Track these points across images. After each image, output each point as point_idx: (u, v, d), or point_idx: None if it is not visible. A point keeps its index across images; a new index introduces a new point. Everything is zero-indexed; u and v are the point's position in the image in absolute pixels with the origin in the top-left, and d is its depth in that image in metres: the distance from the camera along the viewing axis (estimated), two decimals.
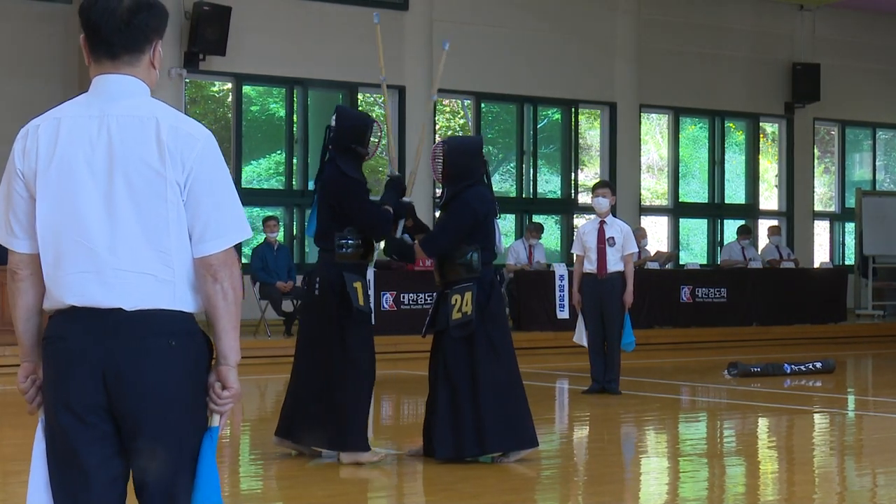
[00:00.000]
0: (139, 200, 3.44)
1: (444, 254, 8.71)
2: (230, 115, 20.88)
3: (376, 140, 8.72)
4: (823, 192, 27.49)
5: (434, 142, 21.73)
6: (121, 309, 3.45)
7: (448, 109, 23.32)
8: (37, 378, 3.62)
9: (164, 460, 3.52)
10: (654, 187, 25.53)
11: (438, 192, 13.32)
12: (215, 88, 21.40)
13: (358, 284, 8.42)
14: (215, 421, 3.61)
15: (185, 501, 3.53)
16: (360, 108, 21.51)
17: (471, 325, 8.50)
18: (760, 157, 26.14)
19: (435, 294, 8.89)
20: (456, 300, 8.51)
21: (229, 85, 20.81)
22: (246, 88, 20.96)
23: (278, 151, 21.50)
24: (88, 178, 3.46)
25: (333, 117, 8.71)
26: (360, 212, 8.51)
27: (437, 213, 9.24)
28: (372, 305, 8.85)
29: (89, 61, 3.57)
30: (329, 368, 8.46)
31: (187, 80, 19.99)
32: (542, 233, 20.04)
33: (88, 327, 3.46)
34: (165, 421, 3.49)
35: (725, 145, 25.65)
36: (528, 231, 20.00)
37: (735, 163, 26.05)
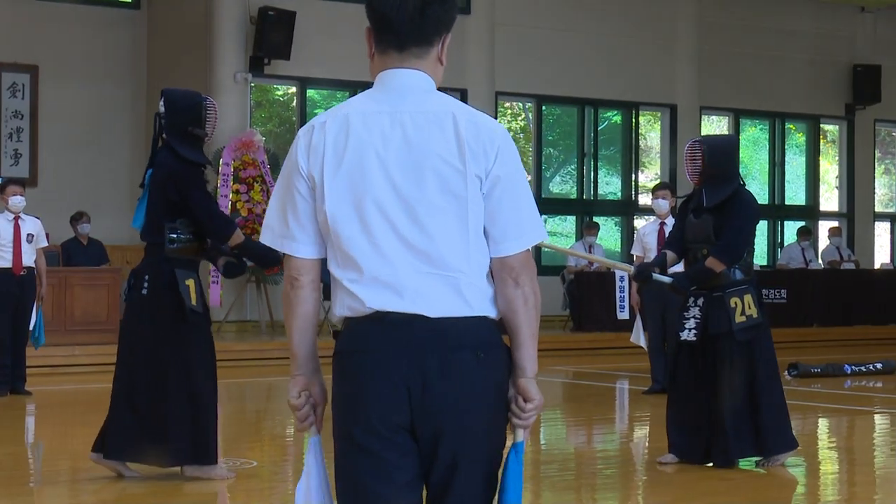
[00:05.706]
0: (436, 197, 3.17)
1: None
2: (294, 118, 20.99)
3: (212, 118, 7.77)
4: (884, 192, 27.21)
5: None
6: (423, 316, 3.16)
7: (509, 112, 23.29)
8: (310, 394, 3.33)
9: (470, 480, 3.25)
10: None
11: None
12: (280, 92, 21.52)
13: (190, 282, 7.55)
14: (519, 436, 3.29)
15: None
16: None
17: (760, 328, 8.15)
18: (821, 158, 25.92)
19: (692, 297, 8.33)
20: (736, 303, 8.12)
21: (294, 88, 20.92)
22: (310, 92, 21.06)
23: None
24: (380, 176, 3.18)
25: (161, 102, 7.77)
26: (201, 203, 7.58)
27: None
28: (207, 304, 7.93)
29: (372, 54, 3.32)
30: (165, 376, 7.55)
31: (252, 84, 20.10)
32: (598, 230, 20.06)
33: (390, 336, 3.17)
34: (476, 438, 3.23)
35: (786, 147, 25.48)
36: (584, 230, 20.02)
37: (795, 164, 25.86)
